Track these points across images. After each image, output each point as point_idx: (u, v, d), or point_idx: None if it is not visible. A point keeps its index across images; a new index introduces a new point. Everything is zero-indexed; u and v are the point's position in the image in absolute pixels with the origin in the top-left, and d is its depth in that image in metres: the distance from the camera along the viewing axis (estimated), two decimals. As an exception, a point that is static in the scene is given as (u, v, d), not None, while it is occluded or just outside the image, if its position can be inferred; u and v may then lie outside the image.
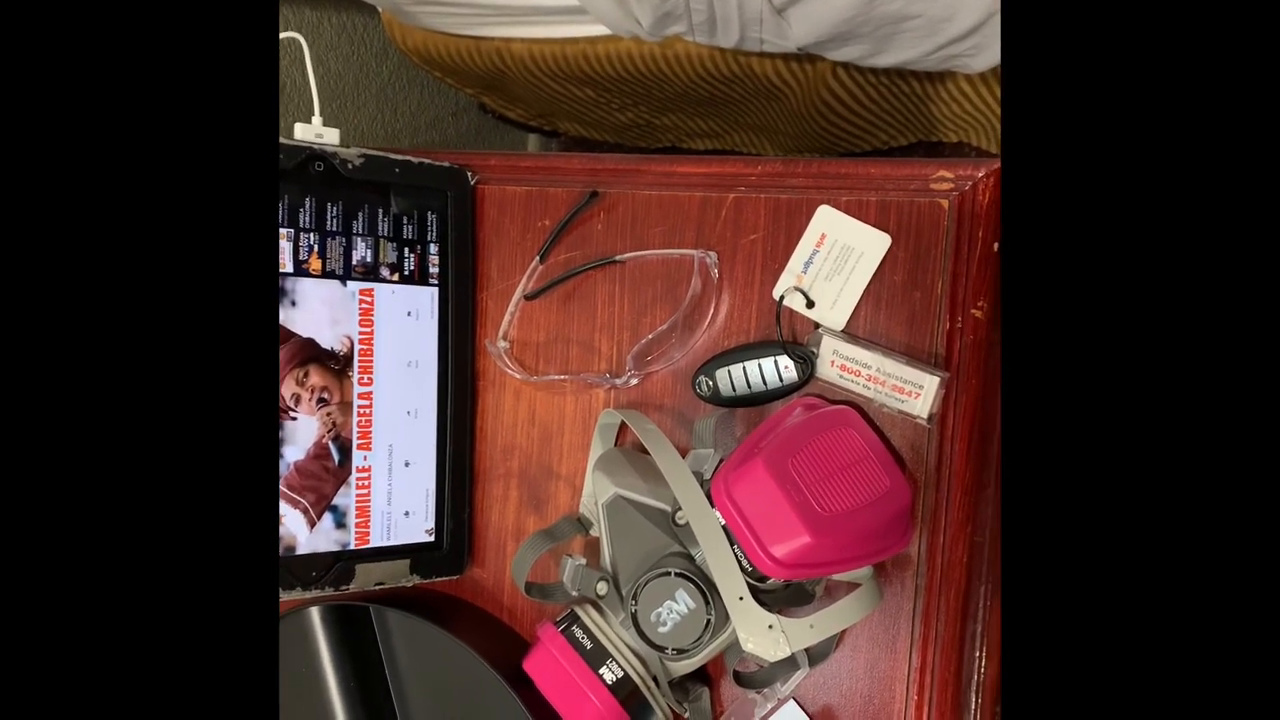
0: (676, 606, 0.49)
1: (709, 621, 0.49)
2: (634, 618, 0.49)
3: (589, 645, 0.51)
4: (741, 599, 0.46)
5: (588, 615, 0.52)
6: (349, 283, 0.56)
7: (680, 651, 0.49)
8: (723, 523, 0.47)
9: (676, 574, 0.49)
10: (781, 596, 0.51)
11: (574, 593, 0.53)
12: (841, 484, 0.48)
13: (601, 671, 0.50)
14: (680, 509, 0.49)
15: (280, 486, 0.53)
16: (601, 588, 0.51)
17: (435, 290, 0.59)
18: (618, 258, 0.58)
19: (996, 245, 0.53)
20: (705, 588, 0.49)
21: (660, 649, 0.49)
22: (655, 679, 0.51)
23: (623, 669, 0.50)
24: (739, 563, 0.47)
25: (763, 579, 0.48)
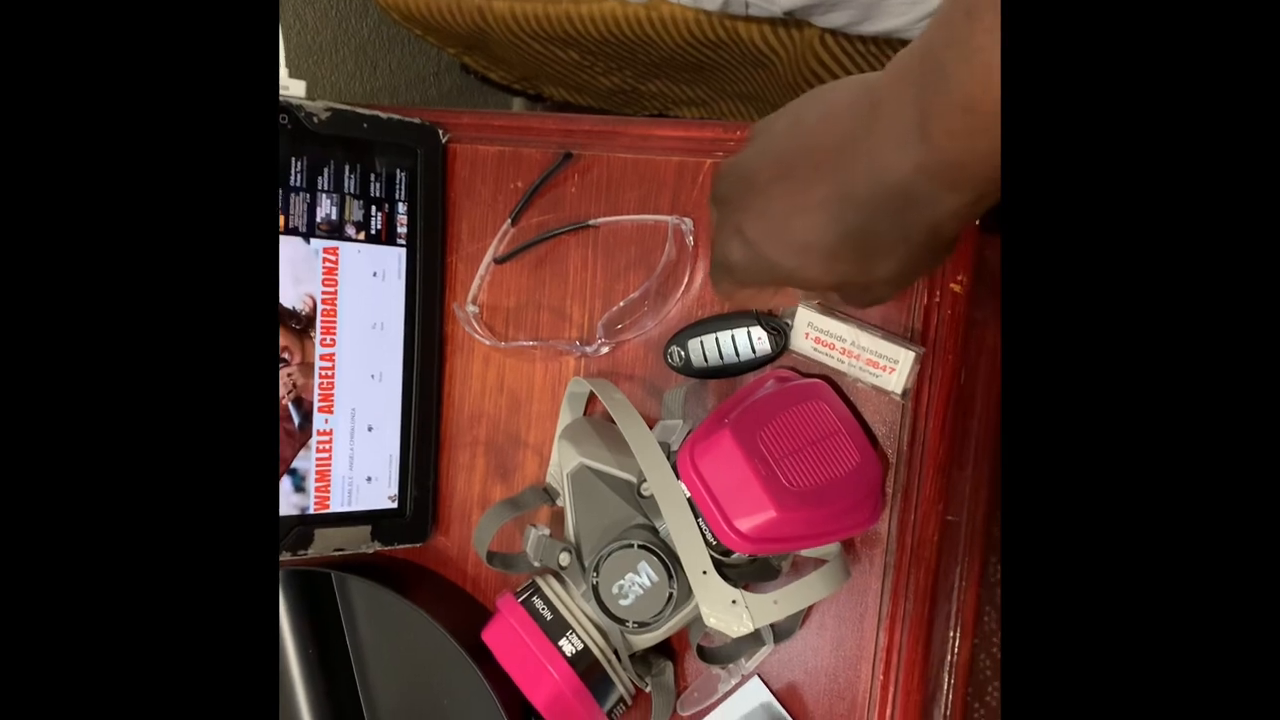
0: (639, 579, 0.48)
1: (671, 595, 0.48)
2: (595, 590, 0.48)
3: (549, 616, 0.49)
4: (705, 573, 0.45)
5: (549, 586, 0.51)
6: (312, 240, 0.54)
7: (642, 625, 0.48)
8: (688, 495, 0.46)
9: (640, 546, 0.48)
10: (746, 571, 0.50)
11: (536, 563, 0.52)
12: (810, 458, 0.47)
13: (561, 643, 0.49)
14: (645, 480, 0.48)
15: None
16: (564, 558, 0.50)
17: (403, 251, 0.57)
18: (591, 222, 0.57)
19: (977, 219, 0.52)
20: (668, 561, 0.47)
21: (621, 622, 0.48)
22: (616, 652, 0.50)
23: (583, 641, 0.49)
24: (703, 536, 0.46)
25: (727, 553, 0.47)
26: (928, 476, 0.52)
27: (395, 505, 0.58)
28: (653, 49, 0.81)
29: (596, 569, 0.48)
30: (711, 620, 0.45)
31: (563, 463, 0.52)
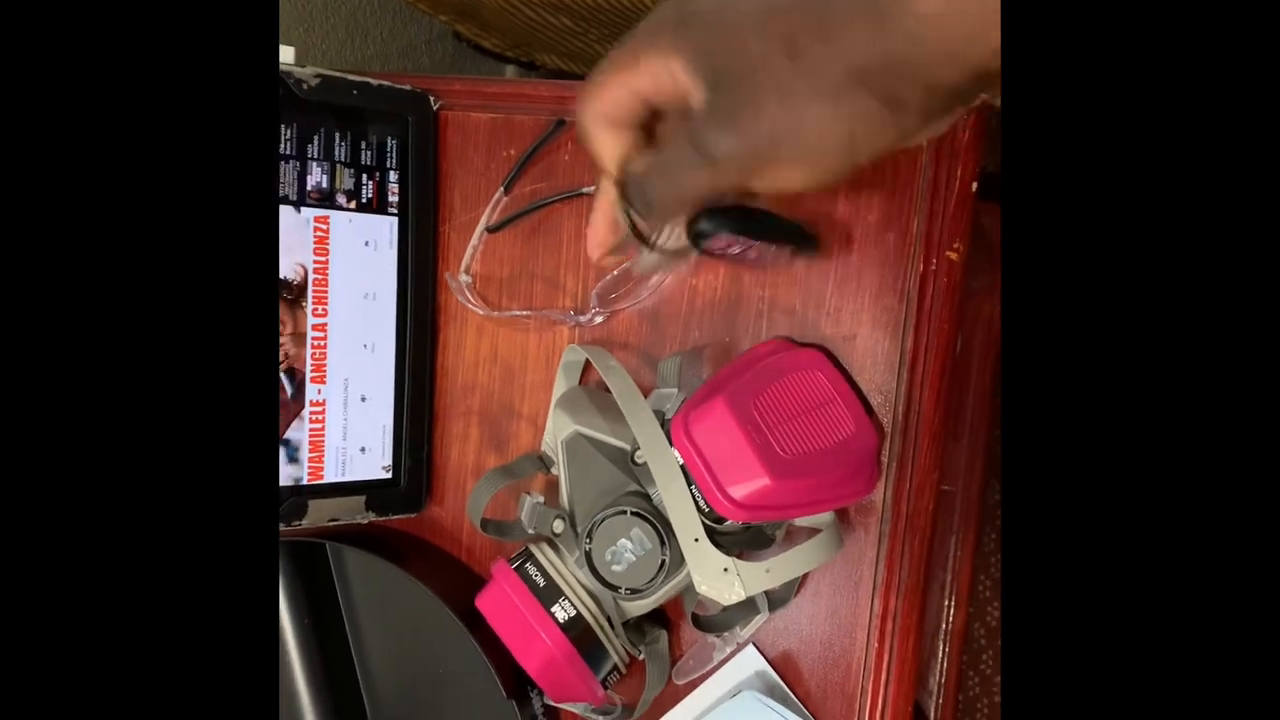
0: (631, 546, 0.48)
1: (664, 562, 0.48)
2: (588, 556, 0.48)
3: (542, 583, 0.49)
4: (697, 540, 0.45)
5: (542, 553, 0.51)
6: (303, 209, 0.53)
7: (634, 591, 0.48)
8: (681, 462, 0.46)
9: (632, 513, 0.48)
10: (740, 539, 0.50)
11: (530, 530, 0.52)
12: (805, 426, 0.46)
13: (554, 609, 0.49)
14: (639, 448, 0.48)
15: (229, 419, 0.52)
16: (558, 525, 0.50)
17: (395, 220, 0.57)
18: (585, 190, 0.56)
19: (975, 185, 0.51)
20: (661, 528, 0.47)
21: (614, 588, 0.48)
22: (609, 620, 0.50)
23: (575, 608, 0.49)
24: (696, 503, 0.46)
25: (720, 521, 0.47)
26: (923, 446, 0.52)
27: (390, 475, 0.57)
28: (648, 13, 0.80)
29: (589, 535, 0.48)
30: (703, 588, 0.45)
31: (557, 431, 0.52)
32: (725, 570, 0.45)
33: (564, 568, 0.50)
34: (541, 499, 0.52)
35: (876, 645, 0.53)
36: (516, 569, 0.50)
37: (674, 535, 0.46)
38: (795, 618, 0.54)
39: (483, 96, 0.58)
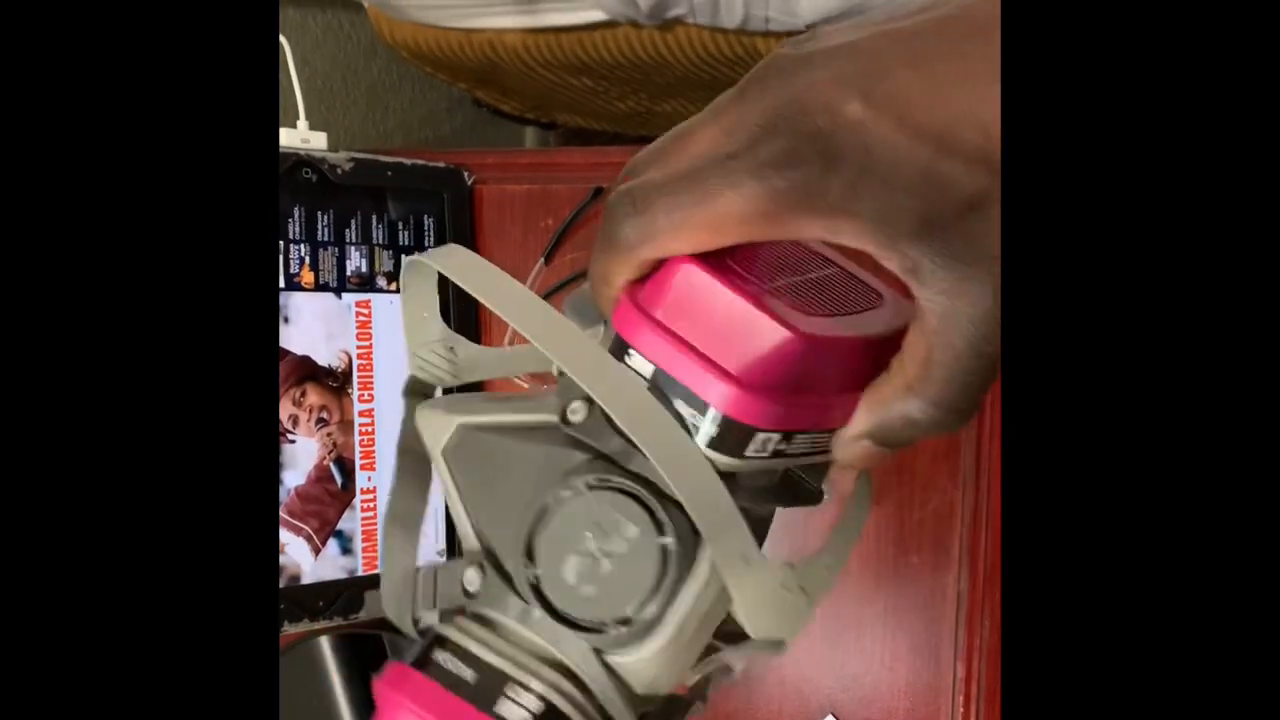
0: (606, 543, 0.27)
1: (665, 550, 0.27)
2: (537, 590, 0.28)
3: (471, 675, 0.28)
4: (718, 507, 0.26)
5: (459, 629, 0.30)
6: (344, 295, 0.53)
7: (626, 624, 0.27)
8: (648, 373, 0.27)
9: (593, 486, 0.27)
10: (768, 491, 0.30)
11: (434, 614, 0.31)
12: (813, 289, 0.29)
13: (500, 709, 0.28)
14: (574, 398, 0.28)
15: (281, 514, 0.50)
16: (471, 579, 0.29)
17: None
18: (626, 256, 0.55)
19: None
20: (646, 494, 0.27)
21: (597, 630, 0.28)
22: (602, 711, 0.29)
23: (538, 693, 0.28)
24: (687, 429, 0.27)
25: (739, 449, 0.26)
26: (996, 496, 0.50)
27: (443, 560, 0.56)
28: (668, 70, 0.80)
29: (530, 553, 0.28)
30: (747, 618, 0.27)
31: (431, 440, 0.31)
32: (782, 585, 0.27)
33: (500, 638, 0.29)
34: (437, 561, 0.37)
35: (962, 710, 0.51)
36: (419, 665, 0.29)
37: (670, 503, 0.27)
38: (874, 685, 0.52)
39: (516, 168, 0.57)
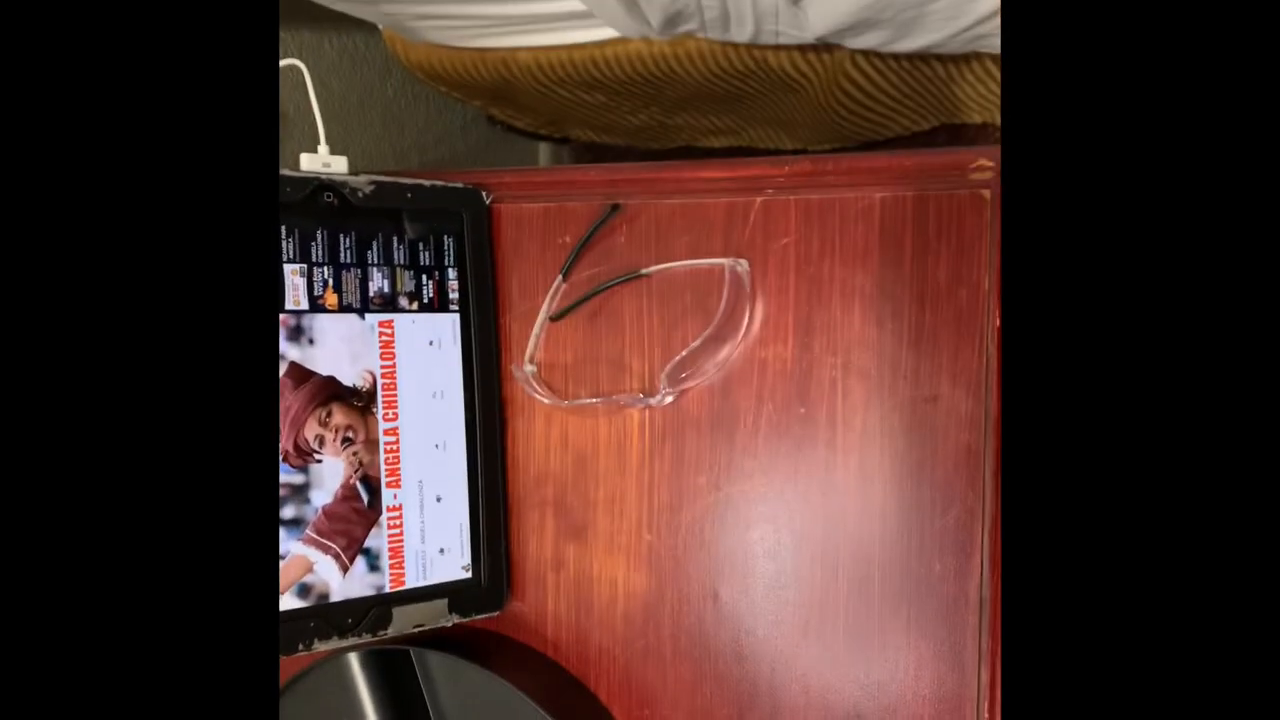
0: None
1: None
2: None
3: None
4: None
5: None
6: (367, 315, 0.54)
7: None
8: None
9: None
10: None
11: None
12: None
13: None
14: None
15: (309, 533, 0.51)
16: None
17: (456, 316, 0.57)
18: (644, 271, 0.56)
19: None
20: None
21: None
22: None
23: None
24: None
25: None
26: (1016, 504, 0.50)
27: (470, 575, 0.57)
28: (680, 84, 0.80)
29: None
30: None
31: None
32: None
33: None
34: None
35: (988, 716, 0.51)
36: None
37: None
38: (899, 697, 0.52)
39: (533, 186, 0.58)
